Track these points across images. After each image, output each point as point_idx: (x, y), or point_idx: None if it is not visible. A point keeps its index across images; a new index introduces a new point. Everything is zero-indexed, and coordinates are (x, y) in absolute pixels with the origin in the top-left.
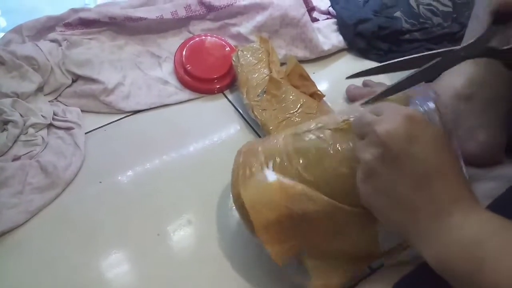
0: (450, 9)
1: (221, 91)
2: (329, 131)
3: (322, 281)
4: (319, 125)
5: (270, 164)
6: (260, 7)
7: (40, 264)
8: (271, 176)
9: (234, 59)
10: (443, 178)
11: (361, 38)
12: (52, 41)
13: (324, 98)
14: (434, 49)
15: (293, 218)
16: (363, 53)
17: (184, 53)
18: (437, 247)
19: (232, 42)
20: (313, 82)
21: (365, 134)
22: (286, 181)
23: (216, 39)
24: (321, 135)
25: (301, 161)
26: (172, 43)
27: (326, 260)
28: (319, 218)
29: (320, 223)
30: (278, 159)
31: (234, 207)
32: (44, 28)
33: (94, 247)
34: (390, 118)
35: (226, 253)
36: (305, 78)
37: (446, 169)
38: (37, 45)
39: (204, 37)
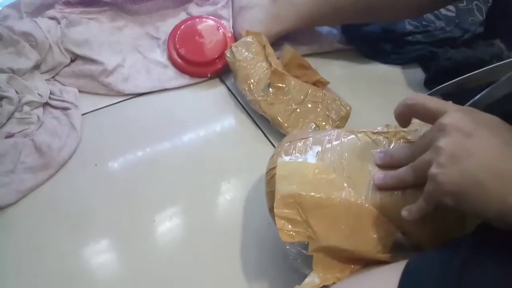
0: (453, 14)
1: (216, 74)
2: (384, 137)
3: (320, 279)
4: (377, 129)
5: (316, 149)
6: None
7: (27, 247)
8: (311, 158)
9: (228, 56)
10: None
11: (365, 41)
12: (51, 18)
13: (329, 86)
14: (436, 52)
15: (315, 201)
16: (366, 54)
17: (177, 36)
18: None
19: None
20: (315, 70)
21: (432, 137)
22: (324, 166)
23: (210, 20)
24: (375, 137)
25: (345, 156)
26: (170, 25)
27: (331, 256)
28: (340, 210)
29: (339, 217)
30: (324, 148)
31: (231, 198)
32: (43, 5)
33: (85, 233)
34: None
35: (221, 243)
36: (305, 67)
37: None
38: (35, 22)
39: (198, 20)
